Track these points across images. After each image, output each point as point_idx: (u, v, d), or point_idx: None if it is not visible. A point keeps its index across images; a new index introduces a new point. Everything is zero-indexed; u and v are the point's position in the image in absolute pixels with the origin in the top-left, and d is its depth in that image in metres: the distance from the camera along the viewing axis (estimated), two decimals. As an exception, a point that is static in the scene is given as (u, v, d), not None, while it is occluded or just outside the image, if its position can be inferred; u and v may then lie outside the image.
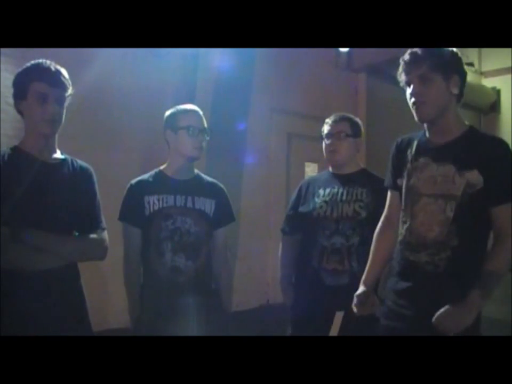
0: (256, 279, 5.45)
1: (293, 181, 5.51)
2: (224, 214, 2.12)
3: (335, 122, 2.27)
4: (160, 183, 2.03)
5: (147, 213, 1.98)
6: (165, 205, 1.98)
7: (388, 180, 1.86)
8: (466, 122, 1.67)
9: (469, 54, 8.48)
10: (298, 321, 2.25)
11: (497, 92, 8.85)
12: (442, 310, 1.50)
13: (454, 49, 1.64)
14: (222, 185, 2.16)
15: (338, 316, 1.92)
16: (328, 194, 2.22)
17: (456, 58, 1.63)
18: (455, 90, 1.61)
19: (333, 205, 2.18)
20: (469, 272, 1.53)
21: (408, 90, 1.63)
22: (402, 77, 1.65)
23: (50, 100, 1.62)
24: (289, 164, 5.98)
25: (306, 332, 2.07)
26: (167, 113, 2.08)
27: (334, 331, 1.90)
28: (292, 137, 5.95)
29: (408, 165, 1.71)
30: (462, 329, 1.48)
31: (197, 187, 2.06)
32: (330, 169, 2.34)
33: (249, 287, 5.31)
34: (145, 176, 2.08)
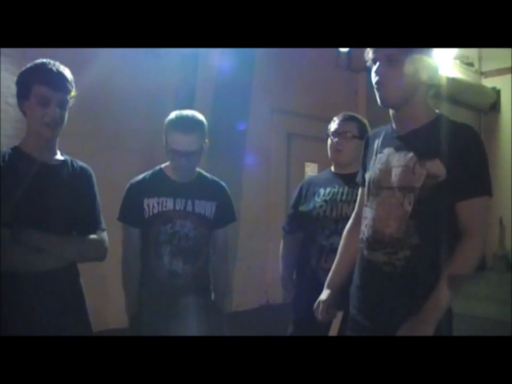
0: (256, 279, 5.45)
1: (293, 181, 5.52)
2: (225, 215, 2.11)
3: (343, 121, 2.25)
4: (160, 185, 2.02)
5: (146, 215, 1.98)
6: (164, 208, 1.97)
7: (359, 176, 1.76)
8: (437, 111, 1.55)
9: (469, 54, 8.50)
10: (299, 320, 2.25)
11: (497, 92, 8.86)
12: (400, 330, 1.39)
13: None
14: (223, 184, 2.14)
15: (338, 316, 1.92)
16: (329, 193, 2.21)
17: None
18: (424, 77, 1.49)
19: (332, 204, 2.17)
20: (428, 276, 1.40)
21: (373, 69, 1.53)
22: (369, 55, 1.54)
23: (53, 103, 1.61)
24: (289, 164, 5.98)
25: (306, 331, 2.07)
26: (167, 119, 2.01)
27: (333, 331, 1.90)
28: (292, 137, 5.95)
29: (373, 157, 1.60)
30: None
31: (197, 190, 2.04)
32: (332, 168, 2.33)
33: (249, 287, 5.31)
34: (146, 176, 2.07)
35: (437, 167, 1.40)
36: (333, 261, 2.05)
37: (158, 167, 2.09)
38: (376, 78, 1.51)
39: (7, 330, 1.47)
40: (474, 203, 1.40)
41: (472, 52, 8.59)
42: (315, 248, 2.17)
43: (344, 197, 2.17)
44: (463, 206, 1.40)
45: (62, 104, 1.64)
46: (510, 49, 6.43)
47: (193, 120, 1.97)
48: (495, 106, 8.91)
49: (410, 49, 1.46)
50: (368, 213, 1.56)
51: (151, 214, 1.97)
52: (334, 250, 2.10)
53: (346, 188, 2.19)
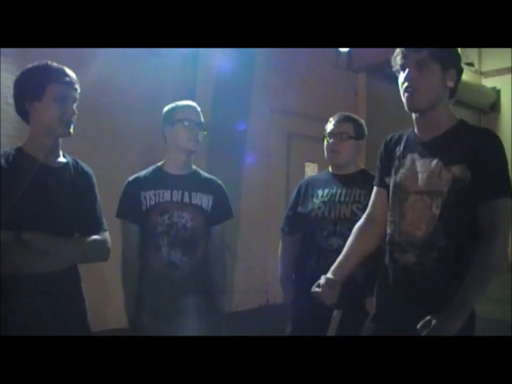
0: (256, 279, 5.45)
1: (293, 181, 5.53)
2: (222, 210, 2.11)
3: (338, 122, 2.24)
4: (157, 179, 2.05)
5: (144, 208, 2.00)
6: (161, 200, 1.99)
7: (376, 178, 1.79)
8: (458, 117, 1.60)
9: (469, 54, 8.50)
10: (298, 319, 2.25)
11: (497, 92, 8.86)
12: (424, 320, 1.42)
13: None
14: (220, 182, 2.16)
15: (336, 315, 1.93)
16: (327, 195, 2.21)
17: (456, 53, 1.59)
18: (451, 84, 1.56)
19: (331, 205, 2.17)
20: (456, 274, 1.44)
21: (402, 75, 1.56)
22: (397, 61, 1.57)
23: (69, 101, 1.64)
24: (289, 164, 5.98)
25: (305, 330, 2.07)
26: (165, 109, 2.12)
27: (331, 330, 1.90)
28: (292, 137, 5.95)
29: (396, 162, 1.65)
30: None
31: (194, 182, 2.06)
32: (330, 169, 2.33)
33: (249, 287, 5.31)
34: (142, 173, 2.10)
35: (462, 172, 1.46)
36: (332, 261, 2.06)
37: (154, 165, 2.12)
38: (406, 83, 1.54)
39: (8, 331, 1.47)
40: (495, 204, 1.44)
41: (472, 52, 8.59)
42: (314, 249, 2.17)
43: (342, 198, 2.17)
44: (485, 207, 1.44)
45: (75, 102, 1.67)
46: (510, 49, 6.43)
47: (191, 102, 2.16)
48: (495, 106, 8.91)
49: (438, 54, 1.51)
50: (396, 217, 1.60)
51: (148, 206, 1.99)
52: (333, 251, 2.10)
53: (344, 189, 2.19)
